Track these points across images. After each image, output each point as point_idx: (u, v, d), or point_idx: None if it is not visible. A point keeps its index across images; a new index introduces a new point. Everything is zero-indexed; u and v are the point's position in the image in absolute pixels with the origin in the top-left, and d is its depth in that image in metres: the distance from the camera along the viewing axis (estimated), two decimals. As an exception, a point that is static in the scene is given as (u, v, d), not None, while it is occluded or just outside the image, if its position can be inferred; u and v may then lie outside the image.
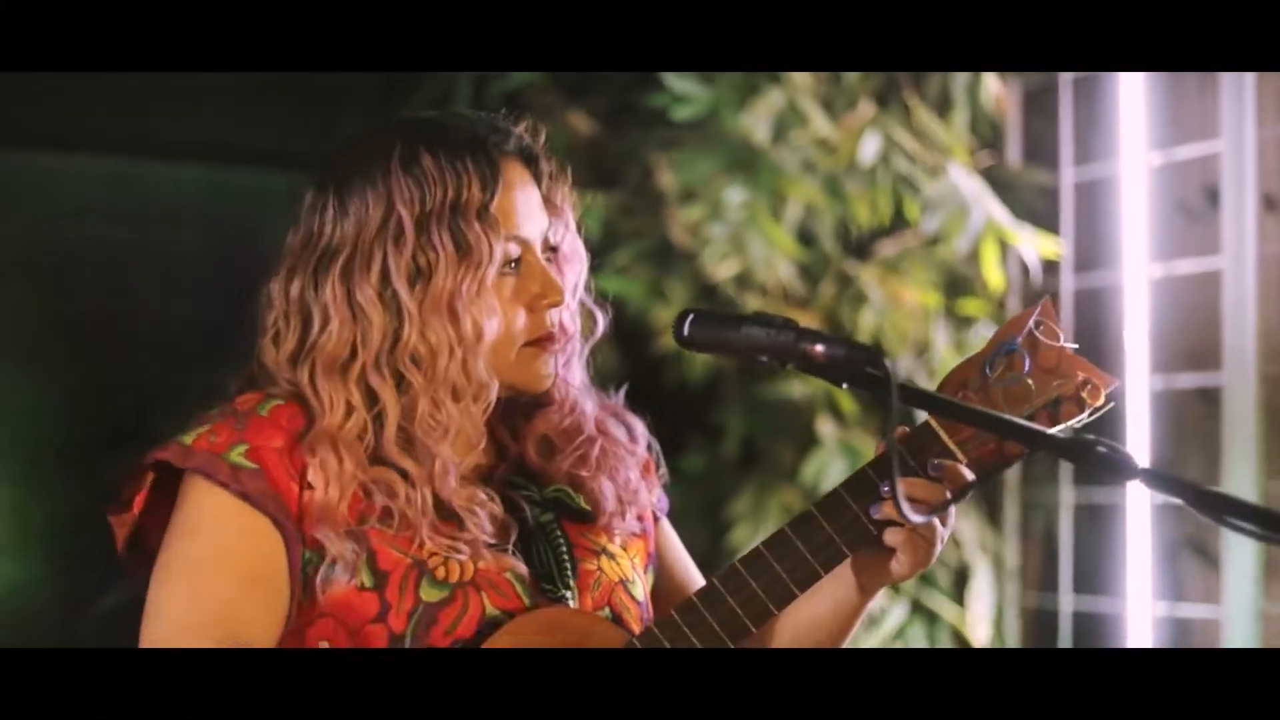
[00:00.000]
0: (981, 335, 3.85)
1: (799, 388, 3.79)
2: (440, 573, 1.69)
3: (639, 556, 1.86)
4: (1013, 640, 4.05)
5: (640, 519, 1.86)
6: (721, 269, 3.67)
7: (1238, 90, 3.74)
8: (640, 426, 1.89)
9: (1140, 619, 3.88)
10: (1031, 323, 1.76)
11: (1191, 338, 3.86)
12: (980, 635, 3.94)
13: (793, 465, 3.75)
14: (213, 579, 1.66)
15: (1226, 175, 3.76)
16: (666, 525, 1.95)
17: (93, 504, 4.09)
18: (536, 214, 1.80)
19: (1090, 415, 1.76)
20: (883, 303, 3.80)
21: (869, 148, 3.76)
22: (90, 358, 4.18)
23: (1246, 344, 3.70)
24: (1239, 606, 3.69)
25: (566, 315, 1.80)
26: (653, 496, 1.90)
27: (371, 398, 1.73)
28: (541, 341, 1.77)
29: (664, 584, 1.90)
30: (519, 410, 1.83)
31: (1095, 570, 3.99)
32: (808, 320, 3.74)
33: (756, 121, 3.72)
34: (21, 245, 4.16)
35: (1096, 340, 3.99)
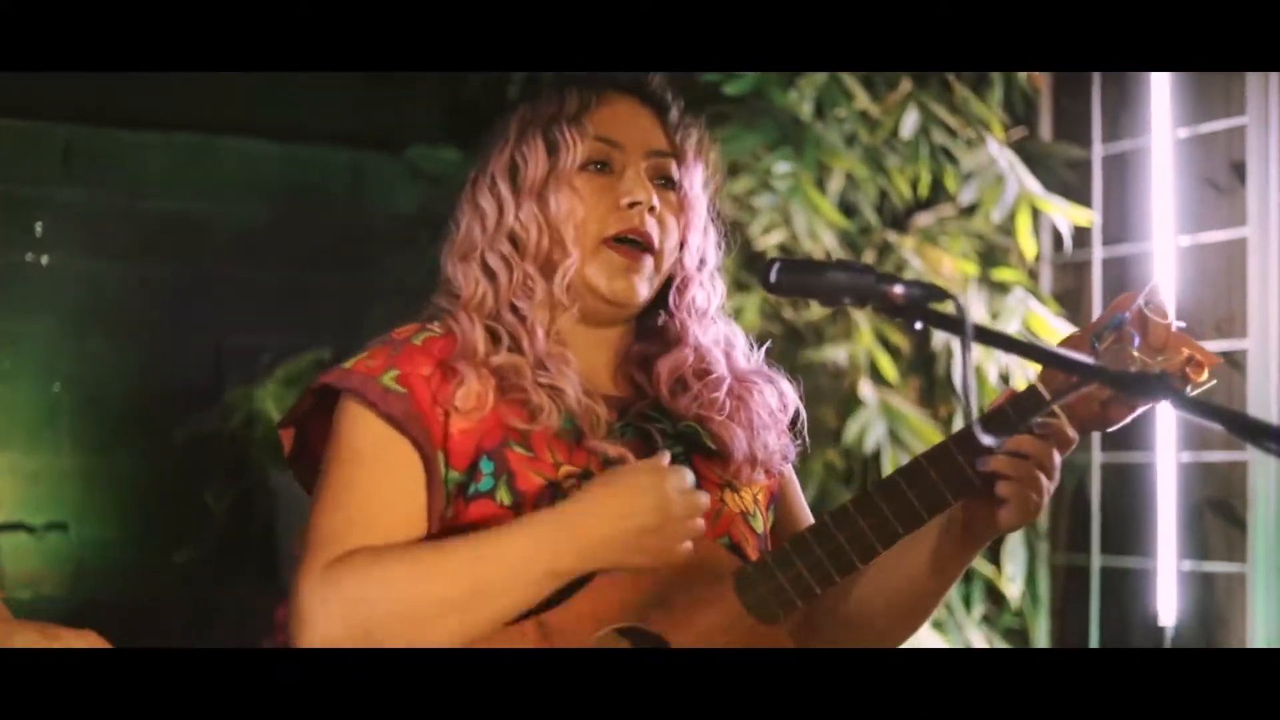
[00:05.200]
0: (1018, 300, 3.99)
1: (841, 352, 3.92)
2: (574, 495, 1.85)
3: (761, 494, 2.01)
4: (1044, 596, 4.18)
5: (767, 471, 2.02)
6: (768, 239, 3.81)
7: (1263, 67, 3.87)
8: (792, 395, 2.05)
9: (1167, 575, 3.99)
10: (1141, 300, 1.84)
11: (1218, 305, 3.96)
12: (1013, 592, 4.08)
13: (836, 427, 3.88)
14: (356, 494, 1.83)
15: (1252, 148, 3.86)
16: (789, 470, 2.09)
17: (167, 466, 4.24)
18: (642, 132, 1.99)
19: (1193, 391, 1.83)
20: (922, 271, 3.93)
21: (909, 122, 3.89)
22: (163, 323, 4.31)
23: (1271, 311, 3.82)
24: (1264, 562, 3.80)
25: (668, 241, 1.97)
26: (781, 448, 2.04)
27: (490, 274, 1.96)
28: (629, 246, 1.94)
29: (782, 524, 2.05)
30: (651, 354, 2.00)
31: (1124, 530, 4.11)
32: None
33: (802, 96, 3.86)
34: (106, 217, 4.29)
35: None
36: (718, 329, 2.03)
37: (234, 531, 4.23)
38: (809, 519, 2.08)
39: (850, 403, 3.90)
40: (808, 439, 2.06)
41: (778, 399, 2.03)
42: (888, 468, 3.84)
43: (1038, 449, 1.85)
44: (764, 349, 2.08)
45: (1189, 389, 1.83)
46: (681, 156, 2.01)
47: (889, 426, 3.85)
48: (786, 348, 3.88)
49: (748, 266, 3.79)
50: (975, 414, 1.78)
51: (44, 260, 4.21)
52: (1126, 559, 4.09)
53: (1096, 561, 4.14)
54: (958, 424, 3.94)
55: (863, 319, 3.89)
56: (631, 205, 1.95)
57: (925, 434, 3.87)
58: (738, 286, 3.80)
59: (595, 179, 1.96)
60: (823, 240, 3.85)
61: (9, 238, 4.21)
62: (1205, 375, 1.84)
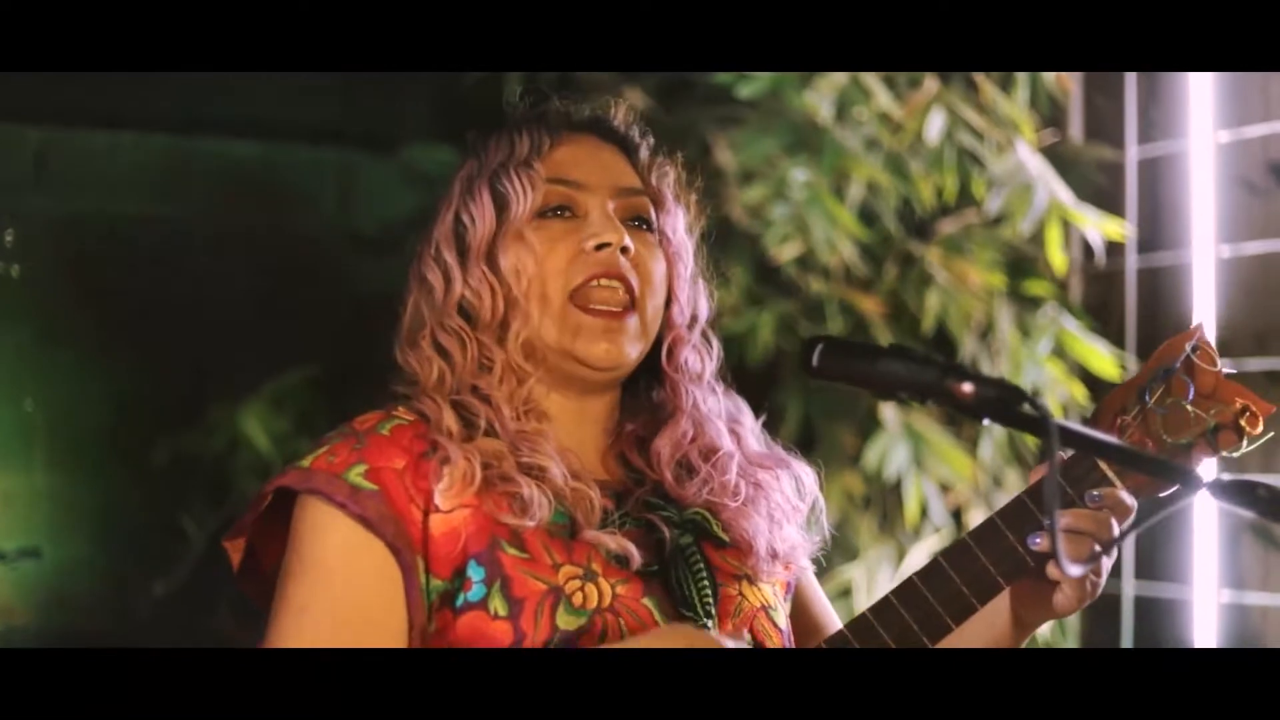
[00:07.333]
0: (1048, 316, 3.78)
1: (861, 370, 3.69)
2: (577, 599, 1.62)
3: (779, 584, 1.80)
4: (1074, 625, 3.98)
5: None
6: (784, 251, 3.59)
7: (1310, 66, 3.67)
8: (811, 480, 1.83)
9: (1205, 605, 3.81)
10: (1188, 346, 1.70)
11: (1260, 320, 3.79)
12: (1041, 620, 3.88)
13: (854, 449, 3.67)
14: (328, 623, 1.61)
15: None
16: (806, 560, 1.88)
17: (143, 489, 4.06)
18: (606, 170, 1.77)
19: (1249, 445, 1.70)
20: (947, 284, 3.71)
21: (934, 125, 3.67)
22: (141, 337, 4.08)
23: (1318, 327, 3.63)
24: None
25: (650, 289, 1.74)
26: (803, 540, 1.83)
27: (443, 352, 1.74)
28: (596, 305, 1.71)
29: (800, 618, 1.84)
30: (647, 432, 1.77)
31: (1158, 556, 3.92)
32: (871, 303, 3.66)
33: (820, 99, 3.63)
34: (79, 225, 4.07)
35: (1159, 323, 3.92)
36: (719, 402, 1.80)
37: (215, 562, 4.01)
38: (830, 613, 1.87)
39: (870, 423, 3.67)
40: (828, 530, 1.84)
41: (795, 486, 1.82)
42: (911, 494, 3.62)
43: (1095, 523, 1.66)
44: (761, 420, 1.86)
45: (1245, 443, 1.70)
46: (658, 198, 1.79)
47: (912, 450, 3.63)
48: (802, 366, 3.67)
49: (762, 280, 3.58)
50: (1060, 537, 1.57)
51: (14, 271, 4.03)
52: (1161, 585, 3.90)
53: (1129, 589, 3.94)
54: (984, 448, 3.72)
55: (883, 335, 3.66)
56: (599, 248, 1.71)
57: (951, 458, 3.64)
58: (751, 301, 3.58)
59: (553, 225, 1.74)
60: (841, 252, 3.62)
61: (-24, 248, 4.02)
62: (1260, 427, 1.70)
